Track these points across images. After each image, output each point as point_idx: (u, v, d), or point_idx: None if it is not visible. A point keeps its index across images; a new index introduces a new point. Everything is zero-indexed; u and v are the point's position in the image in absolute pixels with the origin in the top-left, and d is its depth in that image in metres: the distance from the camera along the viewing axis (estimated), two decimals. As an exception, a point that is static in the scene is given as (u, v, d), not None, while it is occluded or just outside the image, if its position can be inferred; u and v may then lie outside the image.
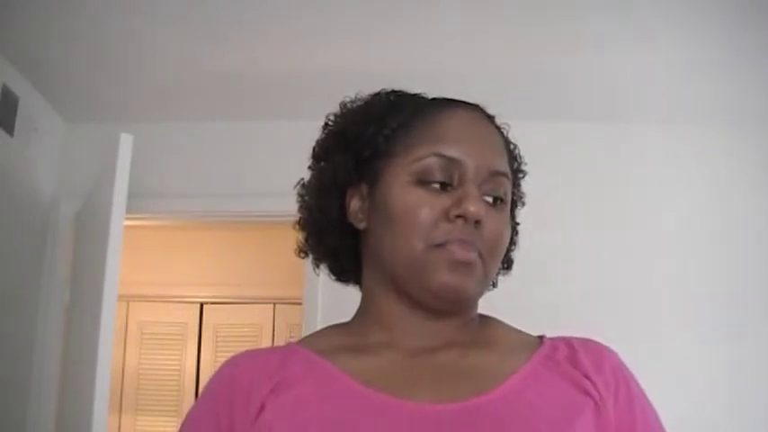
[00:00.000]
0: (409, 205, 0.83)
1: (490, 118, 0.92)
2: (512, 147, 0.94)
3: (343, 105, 0.95)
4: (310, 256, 0.95)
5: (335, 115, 0.94)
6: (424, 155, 0.84)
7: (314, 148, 0.95)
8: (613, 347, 0.89)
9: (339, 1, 2.26)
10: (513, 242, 0.94)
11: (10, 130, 2.60)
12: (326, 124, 0.95)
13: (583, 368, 0.82)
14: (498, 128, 0.92)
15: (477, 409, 0.77)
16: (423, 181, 0.83)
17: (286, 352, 0.87)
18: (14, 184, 2.69)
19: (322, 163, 0.93)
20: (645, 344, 2.59)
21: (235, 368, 0.87)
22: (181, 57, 2.58)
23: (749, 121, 2.87)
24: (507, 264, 0.95)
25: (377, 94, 0.94)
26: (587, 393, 0.80)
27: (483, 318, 0.92)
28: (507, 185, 0.87)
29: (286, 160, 2.87)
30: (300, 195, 0.95)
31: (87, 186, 2.66)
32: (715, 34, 2.36)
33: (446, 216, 0.81)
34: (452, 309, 0.85)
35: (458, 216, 0.81)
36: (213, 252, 4.49)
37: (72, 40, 2.46)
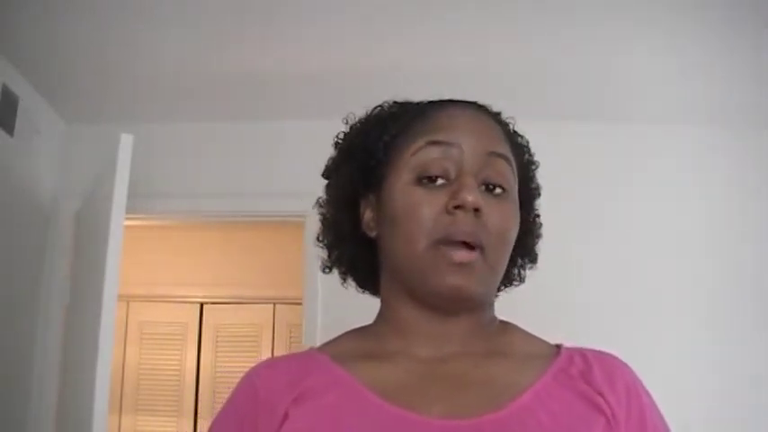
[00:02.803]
0: (410, 205, 0.84)
1: (490, 113, 0.92)
2: (519, 139, 0.94)
3: (348, 121, 0.97)
4: (335, 271, 0.97)
5: (343, 132, 0.96)
6: (420, 146, 0.85)
7: (326, 166, 0.97)
8: (616, 347, 0.89)
9: (342, 1, 2.27)
10: (536, 235, 0.96)
11: (10, 130, 2.60)
12: (336, 143, 0.97)
13: (596, 384, 0.82)
14: (501, 121, 0.93)
15: (489, 425, 0.78)
16: (421, 178, 0.84)
17: (307, 359, 0.89)
18: (15, 184, 2.69)
19: (333, 179, 0.96)
20: (645, 344, 2.60)
21: (257, 379, 0.88)
22: (181, 57, 2.58)
23: (749, 122, 2.87)
24: (532, 257, 0.96)
25: (379, 106, 0.96)
26: (599, 410, 0.80)
27: (503, 324, 0.93)
28: (507, 170, 0.87)
29: (287, 160, 2.91)
30: (321, 213, 0.97)
31: (87, 186, 2.66)
32: (715, 35, 2.36)
33: (446, 210, 0.82)
34: (462, 307, 0.86)
35: (456, 207, 0.81)
36: (213, 252, 4.50)
37: (72, 40, 2.46)
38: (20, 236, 2.73)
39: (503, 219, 0.84)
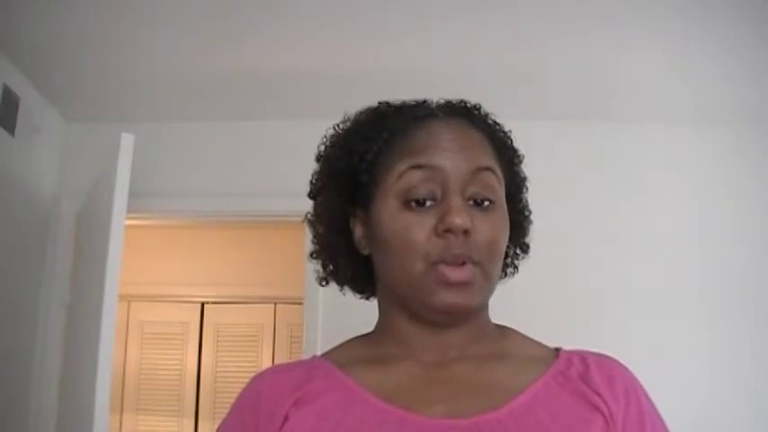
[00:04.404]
0: (401, 231, 0.84)
1: (471, 118, 0.92)
2: (501, 134, 0.94)
3: (327, 136, 0.96)
4: (349, 294, 0.99)
5: (324, 146, 0.96)
6: (404, 170, 0.85)
7: (310, 182, 0.97)
8: (615, 346, 0.89)
9: (342, 1, 2.27)
10: (526, 225, 0.96)
11: (11, 129, 2.61)
12: (318, 156, 0.96)
13: (594, 385, 0.83)
14: (483, 123, 0.92)
15: (487, 424, 0.78)
16: (408, 201, 0.84)
17: (311, 366, 0.90)
18: (16, 183, 2.70)
19: (319, 198, 0.95)
20: (643, 343, 2.60)
21: (261, 384, 0.89)
22: (181, 57, 2.59)
23: (749, 122, 2.87)
24: (523, 248, 0.96)
25: (357, 118, 0.95)
26: (597, 409, 0.81)
27: (500, 328, 0.93)
28: (493, 180, 0.87)
29: (287, 160, 2.90)
30: (312, 230, 0.97)
31: (88, 186, 2.66)
32: (715, 35, 2.36)
33: (436, 233, 0.82)
34: (459, 321, 0.87)
35: (446, 230, 0.82)
36: (214, 252, 4.50)
37: (73, 40, 2.46)
38: (20, 235, 2.73)
39: (493, 231, 0.84)
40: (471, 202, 0.85)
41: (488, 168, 0.86)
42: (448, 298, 0.82)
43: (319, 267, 0.96)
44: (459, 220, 0.81)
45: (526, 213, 0.96)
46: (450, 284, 0.82)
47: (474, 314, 0.88)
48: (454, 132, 0.88)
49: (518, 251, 0.96)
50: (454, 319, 0.86)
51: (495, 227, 0.85)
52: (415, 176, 0.84)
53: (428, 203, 0.84)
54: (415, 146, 0.87)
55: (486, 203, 0.85)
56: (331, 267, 0.96)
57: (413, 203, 0.84)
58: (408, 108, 0.93)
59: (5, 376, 2.59)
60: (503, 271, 0.95)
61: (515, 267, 0.97)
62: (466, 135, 0.88)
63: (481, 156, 0.87)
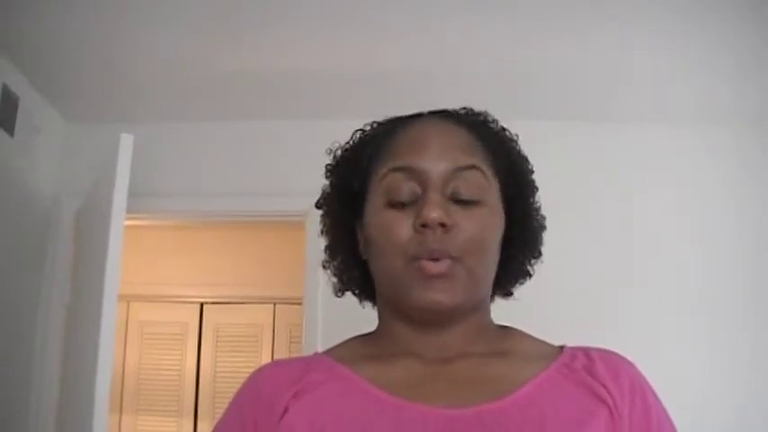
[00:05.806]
0: (382, 227, 0.86)
1: (461, 119, 0.92)
2: (501, 135, 0.94)
3: (331, 152, 0.98)
4: (348, 294, 1.00)
5: (331, 163, 0.98)
6: (384, 173, 0.87)
7: (320, 196, 0.99)
8: (610, 347, 0.89)
9: (342, 1, 2.26)
10: (536, 228, 0.95)
11: (11, 129, 2.60)
12: (326, 173, 0.99)
13: (600, 377, 0.83)
14: (476, 124, 0.92)
15: (489, 413, 0.79)
16: (392, 201, 0.86)
17: (310, 361, 0.91)
18: (15, 183, 2.69)
19: (325, 209, 0.98)
20: (642, 343, 2.60)
21: (260, 378, 0.90)
22: (181, 57, 2.58)
23: (749, 122, 2.87)
24: (534, 252, 0.96)
25: (360, 129, 0.97)
26: (602, 400, 0.81)
27: (503, 329, 0.93)
28: (479, 178, 0.87)
29: (287, 160, 2.91)
30: (325, 240, 0.99)
31: (88, 186, 2.66)
32: (715, 35, 2.36)
33: (415, 229, 0.83)
34: (447, 319, 0.86)
35: (423, 225, 0.82)
36: (213, 252, 4.50)
37: (73, 39, 2.46)
38: (20, 235, 2.73)
39: (475, 226, 0.84)
40: (454, 201, 0.85)
41: (472, 167, 0.87)
42: (428, 295, 0.82)
43: (334, 279, 0.98)
44: (434, 213, 0.81)
45: (538, 218, 0.96)
46: (427, 279, 0.82)
47: (465, 314, 0.87)
48: (438, 131, 0.89)
49: (527, 254, 0.95)
50: (441, 318, 0.86)
51: (478, 224, 0.85)
52: (396, 178, 0.86)
53: (410, 203, 0.85)
54: (396, 148, 0.89)
55: (470, 201, 0.85)
56: (345, 277, 0.97)
57: (395, 203, 0.86)
58: (401, 117, 0.95)
59: (5, 376, 2.58)
60: (515, 276, 0.95)
61: (530, 274, 0.96)
62: (450, 135, 0.89)
63: (464, 155, 0.87)
